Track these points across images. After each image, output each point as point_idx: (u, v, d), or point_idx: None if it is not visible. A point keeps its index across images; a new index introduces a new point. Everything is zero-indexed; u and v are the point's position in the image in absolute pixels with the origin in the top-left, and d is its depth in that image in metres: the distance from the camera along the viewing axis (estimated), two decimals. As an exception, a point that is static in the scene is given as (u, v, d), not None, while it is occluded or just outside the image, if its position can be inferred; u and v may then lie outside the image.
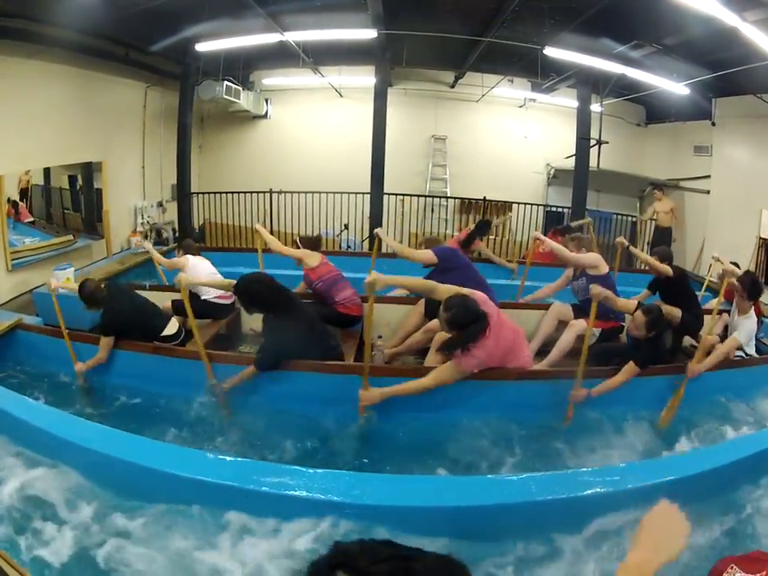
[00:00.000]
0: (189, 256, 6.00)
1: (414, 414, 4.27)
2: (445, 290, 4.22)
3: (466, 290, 4.20)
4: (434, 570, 1.07)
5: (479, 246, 8.14)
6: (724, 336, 5.48)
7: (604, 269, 5.54)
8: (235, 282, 4.58)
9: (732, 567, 1.72)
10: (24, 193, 7.49)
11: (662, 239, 10.34)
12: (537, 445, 4.17)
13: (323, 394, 4.36)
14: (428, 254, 5.40)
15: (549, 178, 12.87)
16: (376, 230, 6.35)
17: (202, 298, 5.70)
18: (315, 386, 4.40)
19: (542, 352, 5.39)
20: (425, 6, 7.98)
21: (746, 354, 5.25)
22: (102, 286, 5.00)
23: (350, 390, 4.19)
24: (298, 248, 5.77)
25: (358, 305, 5.55)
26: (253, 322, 5.61)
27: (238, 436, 4.18)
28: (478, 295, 4.20)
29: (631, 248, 6.46)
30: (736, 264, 7.11)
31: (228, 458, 3.19)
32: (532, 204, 11.09)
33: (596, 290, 4.39)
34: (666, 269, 5.74)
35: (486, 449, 4.08)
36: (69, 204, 8.75)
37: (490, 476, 3.64)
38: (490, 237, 9.96)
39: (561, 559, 2.83)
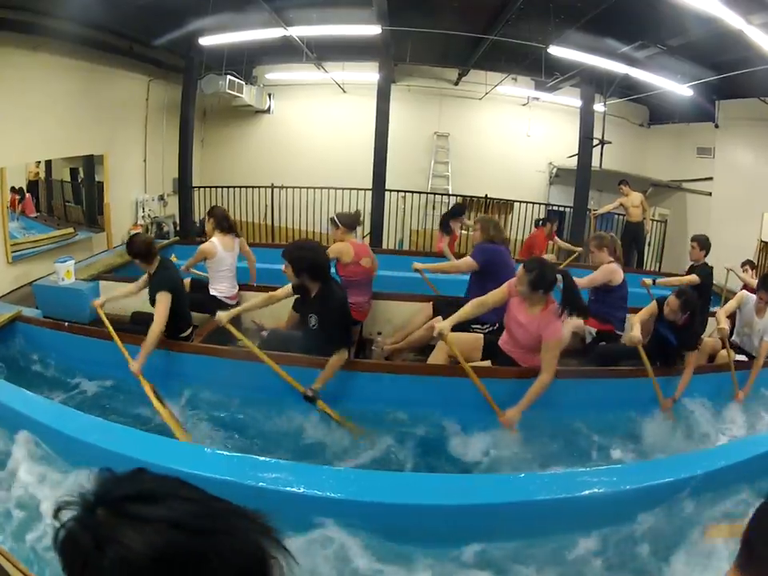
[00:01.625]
0: (216, 240, 5.65)
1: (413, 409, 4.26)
2: (492, 297, 4.39)
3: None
4: (227, 532, 0.81)
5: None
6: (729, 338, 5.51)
7: (618, 279, 5.47)
8: (273, 293, 4.56)
9: None
10: (33, 185, 7.47)
11: (635, 234, 10.27)
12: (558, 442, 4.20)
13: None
14: (468, 263, 5.34)
15: (551, 177, 12.87)
16: (414, 265, 5.86)
17: (212, 292, 5.59)
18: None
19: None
20: (429, 3, 7.97)
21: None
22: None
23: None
24: (336, 226, 5.47)
25: (365, 312, 5.53)
26: (254, 314, 5.58)
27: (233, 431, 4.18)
28: None
29: (658, 281, 6.41)
30: (751, 262, 7.17)
31: (225, 453, 3.19)
32: (534, 203, 11.05)
33: (632, 339, 4.59)
34: (693, 279, 5.86)
35: (495, 448, 4.08)
36: (70, 197, 8.73)
37: (490, 474, 3.64)
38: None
39: (560, 559, 2.83)
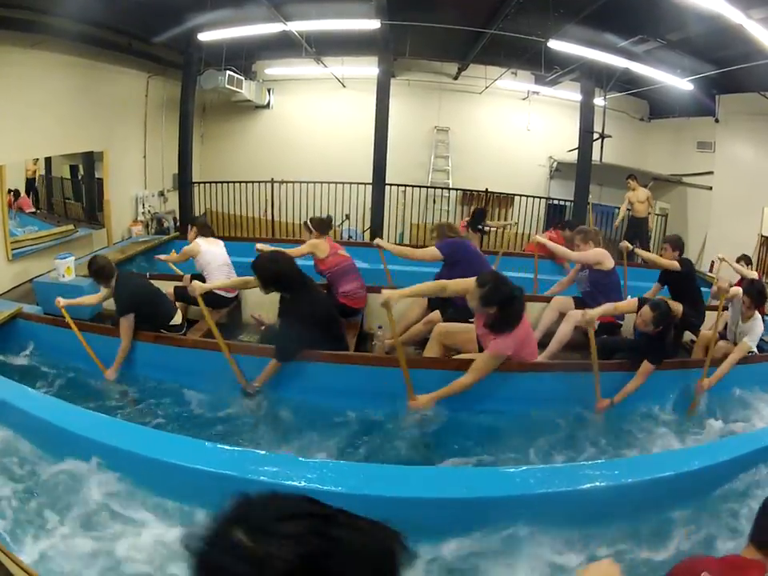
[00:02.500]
0: (200, 240, 5.84)
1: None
2: (454, 284, 4.27)
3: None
4: (359, 537, 0.90)
5: None
6: (724, 333, 5.48)
7: (609, 264, 5.52)
8: (250, 278, 4.57)
9: (705, 574, 1.61)
10: (31, 182, 7.47)
11: (639, 229, 10.31)
12: (549, 437, 4.18)
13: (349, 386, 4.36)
14: (433, 252, 5.38)
15: (551, 171, 12.87)
16: (376, 241, 6.17)
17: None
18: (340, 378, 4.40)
19: (542, 344, 5.36)
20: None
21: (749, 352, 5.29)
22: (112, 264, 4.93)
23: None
24: (309, 230, 5.70)
25: (362, 297, 5.56)
26: (254, 309, 5.58)
27: (244, 427, 4.19)
28: None
29: (636, 250, 6.43)
30: (747, 257, 7.14)
31: (226, 447, 3.19)
32: (534, 197, 11.04)
33: (585, 317, 4.44)
34: (674, 263, 5.77)
35: (495, 441, 4.10)
36: (70, 193, 8.75)
37: (492, 468, 3.63)
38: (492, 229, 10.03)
39: (559, 552, 2.84)
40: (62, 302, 4.86)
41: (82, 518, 2.92)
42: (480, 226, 8.49)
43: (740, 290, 5.40)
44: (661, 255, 6.18)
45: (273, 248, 5.59)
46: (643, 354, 4.49)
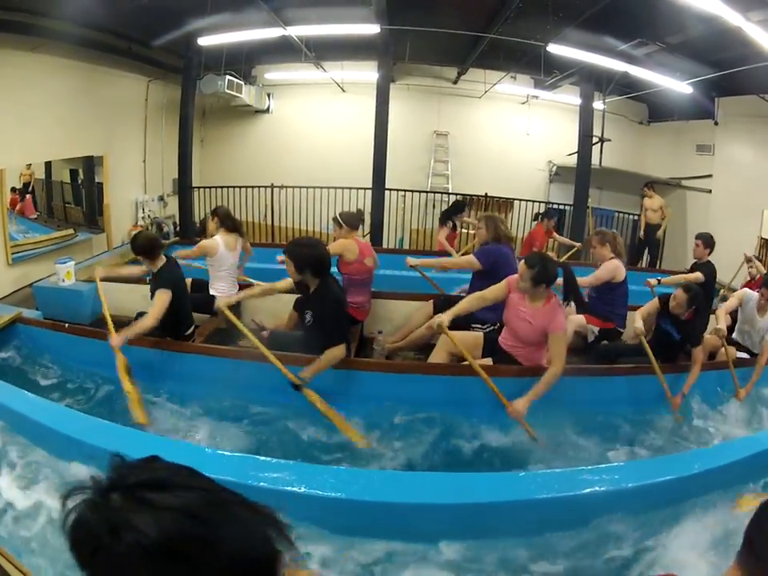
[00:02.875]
0: (219, 238, 5.61)
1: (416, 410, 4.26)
2: (490, 293, 4.45)
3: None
4: (236, 527, 0.85)
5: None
6: (728, 336, 5.51)
7: (621, 276, 5.46)
8: (274, 284, 4.63)
9: None
10: (26, 187, 7.48)
11: (650, 236, 10.39)
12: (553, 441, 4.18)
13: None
14: (469, 260, 5.30)
15: (551, 175, 12.85)
16: (408, 262, 5.73)
17: (211, 291, 5.54)
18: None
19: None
20: (428, 2, 7.96)
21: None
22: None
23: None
24: (339, 225, 5.44)
25: (366, 311, 5.51)
26: (254, 314, 5.57)
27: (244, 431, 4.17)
28: None
29: (663, 280, 6.39)
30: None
31: (227, 453, 3.18)
32: (534, 201, 11.08)
33: (636, 330, 4.73)
34: (699, 276, 5.91)
35: (501, 446, 4.11)
36: (70, 198, 8.74)
37: (491, 473, 3.62)
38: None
39: (560, 557, 2.84)
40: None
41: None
42: (452, 220, 8.26)
43: (746, 290, 5.45)
44: (693, 250, 6.36)
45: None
46: (685, 343, 4.78)
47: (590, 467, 3.32)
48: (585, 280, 5.57)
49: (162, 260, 4.70)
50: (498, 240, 5.33)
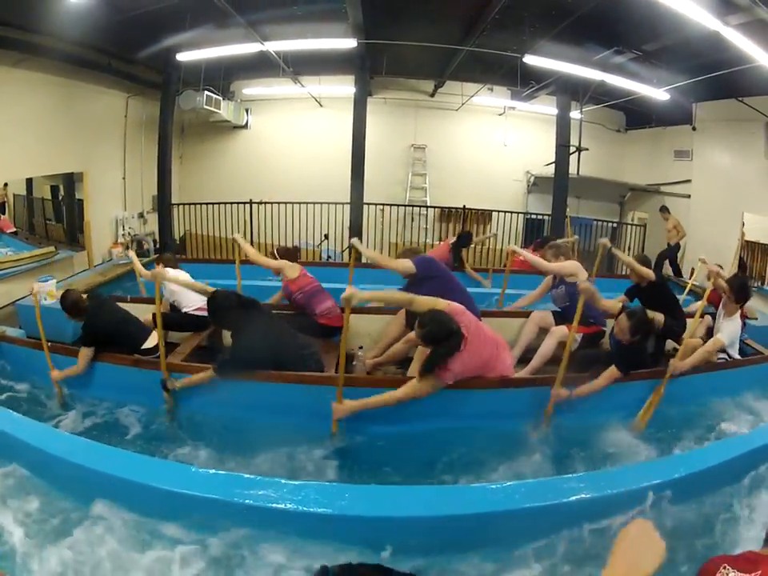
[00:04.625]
0: (168, 269, 5.81)
1: (394, 424, 4.24)
2: (422, 301, 4.20)
3: (443, 302, 4.18)
4: None
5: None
6: (707, 339, 5.52)
7: (583, 276, 5.51)
8: (209, 287, 4.71)
9: (725, 567, 1.70)
10: (1, 207, 7.42)
11: (674, 252, 10.40)
12: (518, 452, 4.13)
13: (301, 406, 4.30)
14: (406, 263, 5.28)
15: (529, 186, 12.94)
16: (352, 240, 6.17)
17: (183, 310, 5.64)
18: (291, 396, 4.35)
19: (524, 359, 5.39)
20: (405, 16, 8.00)
21: (730, 357, 5.28)
22: (85, 296, 4.97)
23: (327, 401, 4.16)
24: (276, 259, 5.74)
25: (338, 316, 5.46)
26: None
27: (208, 447, 4.12)
28: (455, 307, 4.17)
29: (614, 249, 6.43)
30: (720, 267, 7.21)
31: (211, 471, 3.16)
32: (512, 212, 11.10)
33: (584, 284, 4.42)
34: (649, 272, 5.77)
35: (467, 458, 4.06)
36: (51, 214, 8.70)
37: (472, 485, 3.62)
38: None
39: (547, 566, 2.83)
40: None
41: (60, 542, 2.88)
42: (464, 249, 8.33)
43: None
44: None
45: (246, 243, 6.02)
46: (613, 361, 4.50)
47: (571, 475, 3.32)
48: (548, 265, 5.63)
49: (85, 311, 4.87)
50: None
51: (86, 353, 4.70)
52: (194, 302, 5.61)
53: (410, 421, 4.25)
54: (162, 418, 4.49)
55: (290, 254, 5.96)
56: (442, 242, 8.75)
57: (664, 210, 10.47)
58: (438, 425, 4.26)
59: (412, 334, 5.00)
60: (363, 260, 6.98)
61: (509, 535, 2.93)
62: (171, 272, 5.75)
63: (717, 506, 3.31)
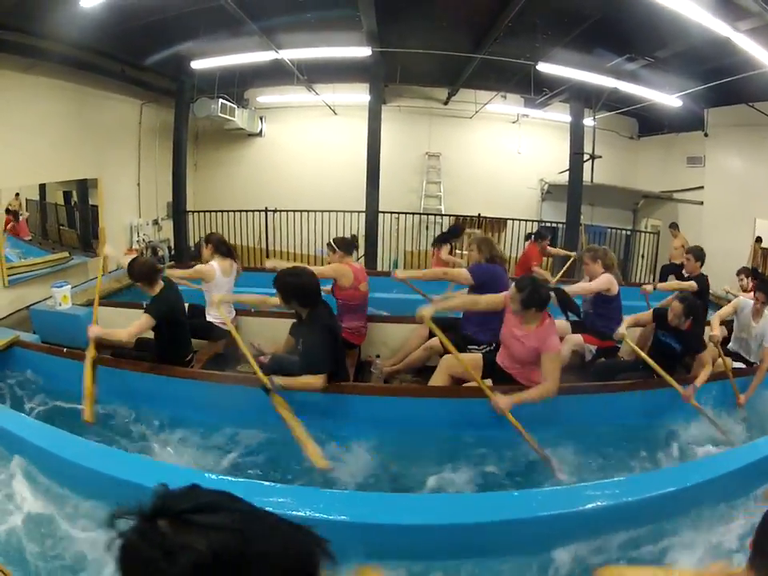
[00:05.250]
0: (215, 263, 5.60)
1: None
2: (487, 298, 4.39)
3: (503, 294, 4.35)
4: (278, 539, 0.91)
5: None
6: (725, 347, 5.57)
7: (615, 290, 5.49)
8: (269, 297, 4.54)
9: None
10: (15, 215, 7.45)
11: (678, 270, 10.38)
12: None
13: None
14: (463, 274, 5.22)
15: (543, 194, 12.91)
16: (394, 277, 5.49)
17: (208, 318, 5.53)
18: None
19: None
20: (418, 24, 8.02)
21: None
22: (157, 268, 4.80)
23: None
24: (333, 250, 5.50)
25: (362, 335, 5.50)
26: (253, 338, 5.55)
27: (237, 457, 4.13)
28: None
29: (658, 286, 6.44)
30: (746, 270, 7.30)
31: (222, 478, 3.17)
32: (526, 220, 11.12)
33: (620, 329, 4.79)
34: (692, 285, 5.97)
35: (500, 465, 4.06)
36: (64, 220, 8.72)
37: (490, 492, 3.60)
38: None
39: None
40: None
41: (78, 549, 2.89)
42: (450, 243, 8.11)
43: (741, 298, 5.51)
44: (684, 265, 6.56)
45: (285, 263, 5.55)
46: (687, 352, 4.83)
47: (594, 482, 3.32)
48: (577, 289, 5.61)
49: (159, 285, 4.68)
50: (491, 261, 5.33)
51: (147, 320, 4.47)
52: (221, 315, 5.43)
53: (431, 428, 4.23)
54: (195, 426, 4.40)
55: (347, 243, 5.61)
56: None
57: (674, 226, 10.45)
58: (456, 432, 4.25)
59: (431, 342, 5.02)
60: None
61: (529, 542, 2.93)
62: (218, 270, 5.56)
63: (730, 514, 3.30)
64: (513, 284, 4.18)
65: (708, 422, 4.57)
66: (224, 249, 5.74)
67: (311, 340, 4.21)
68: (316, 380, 4.11)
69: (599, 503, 3.01)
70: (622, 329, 4.83)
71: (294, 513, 2.79)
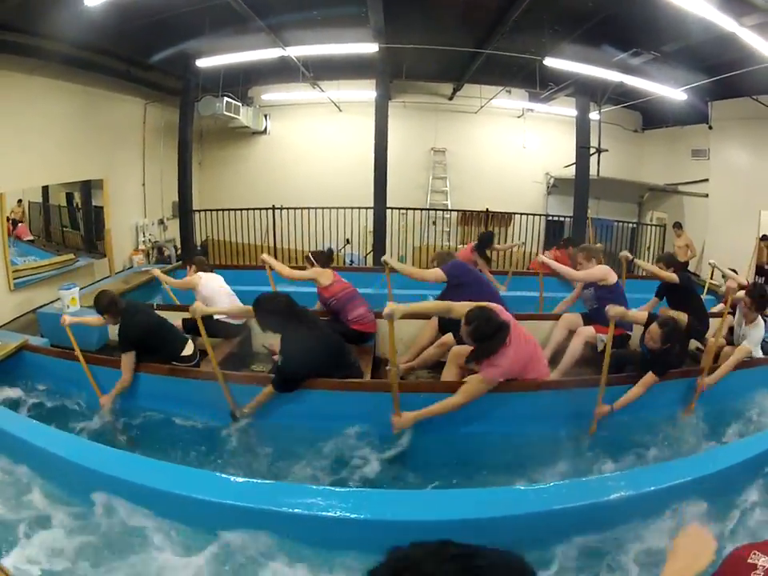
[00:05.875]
0: (201, 273, 5.92)
1: (441, 430, 4.22)
2: (460, 307, 4.20)
3: (481, 304, 4.17)
4: (500, 566, 1.01)
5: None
6: (730, 338, 5.60)
7: (612, 279, 5.53)
8: (251, 307, 4.49)
9: (755, 553, 1.77)
10: (15, 224, 7.43)
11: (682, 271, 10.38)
12: (560, 454, 4.12)
13: (346, 412, 4.27)
14: (437, 273, 5.34)
15: (548, 188, 12.90)
16: (383, 258, 6.00)
17: (214, 317, 5.50)
18: (338, 404, 4.32)
19: (553, 361, 5.36)
20: (425, 19, 8.00)
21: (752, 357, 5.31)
22: (119, 297, 4.90)
23: (372, 407, 4.17)
24: (312, 263, 5.75)
25: (372, 321, 5.55)
26: (265, 338, 5.55)
27: (255, 457, 4.13)
28: (493, 306, 4.17)
29: (636, 260, 6.49)
30: (734, 270, 7.23)
31: (258, 481, 3.14)
32: (533, 214, 11.09)
33: (612, 310, 4.40)
34: (672, 276, 5.85)
35: (510, 461, 4.08)
36: (67, 222, 8.71)
37: (511, 487, 3.59)
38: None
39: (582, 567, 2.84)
40: (67, 319, 4.89)
41: (92, 553, 2.89)
42: (488, 251, 8.30)
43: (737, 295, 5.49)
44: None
45: (275, 261, 5.97)
46: (649, 367, 4.51)
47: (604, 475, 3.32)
48: (578, 274, 5.63)
49: (117, 317, 4.77)
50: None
51: (128, 359, 4.59)
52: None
53: (452, 426, 4.24)
54: (202, 428, 4.43)
55: (325, 257, 5.92)
56: (465, 246, 8.73)
57: (678, 226, 10.46)
58: (477, 430, 4.27)
59: (444, 338, 5.04)
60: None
61: (549, 536, 2.93)
62: (204, 278, 5.82)
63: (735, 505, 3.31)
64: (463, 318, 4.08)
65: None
66: (207, 269, 6.18)
67: (282, 359, 4.37)
68: (268, 390, 4.30)
69: (622, 493, 3.01)
70: (619, 309, 4.52)
71: (323, 514, 2.80)
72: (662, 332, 4.40)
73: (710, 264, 7.26)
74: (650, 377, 4.45)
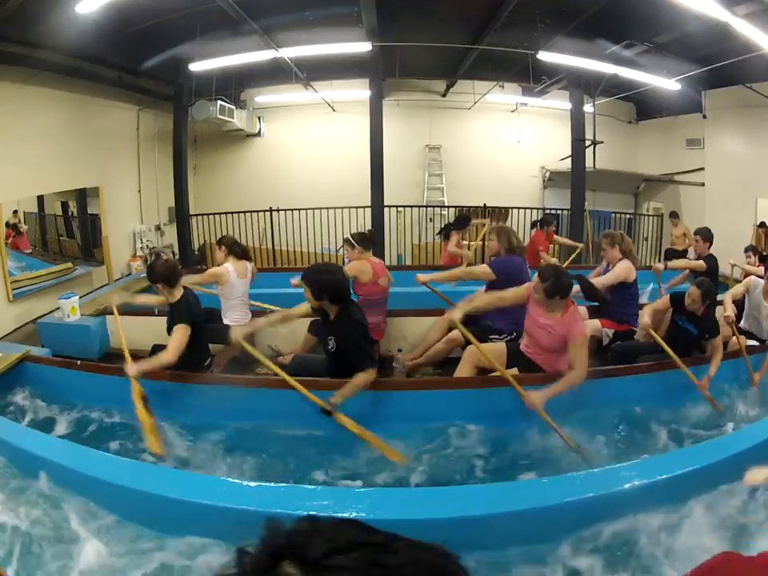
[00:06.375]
0: (229, 265, 5.45)
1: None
2: (511, 294, 4.45)
3: (525, 286, 4.45)
4: (415, 563, 0.77)
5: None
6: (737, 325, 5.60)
7: (632, 277, 5.51)
8: (289, 312, 4.45)
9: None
10: (15, 228, 7.39)
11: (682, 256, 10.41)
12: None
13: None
14: (484, 270, 5.23)
15: (544, 181, 12.89)
16: (418, 279, 5.37)
17: (225, 322, 5.39)
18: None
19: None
20: (417, 17, 8.01)
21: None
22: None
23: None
24: (352, 246, 5.45)
25: (382, 331, 5.51)
26: (271, 340, 5.52)
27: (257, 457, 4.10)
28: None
29: (669, 264, 6.49)
30: (753, 248, 7.37)
31: (270, 484, 3.12)
32: (529, 208, 11.12)
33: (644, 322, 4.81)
34: (701, 264, 6.09)
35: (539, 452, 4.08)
36: (63, 231, 8.68)
37: (507, 482, 3.56)
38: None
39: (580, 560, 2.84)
40: (116, 299, 4.82)
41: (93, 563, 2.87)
42: (458, 234, 8.12)
43: (753, 278, 5.54)
44: (693, 247, 6.70)
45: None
46: (703, 336, 4.83)
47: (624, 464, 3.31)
48: (601, 280, 5.60)
49: (180, 290, 4.52)
50: (511, 251, 5.31)
51: (184, 331, 4.29)
52: (240, 319, 5.41)
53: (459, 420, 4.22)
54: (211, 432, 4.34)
55: (366, 238, 5.56)
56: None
57: (674, 215, 10.48)
58: (484, 423, 4.23)
59: (452, 334, 5.01)
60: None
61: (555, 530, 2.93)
62: (232, 272, 5.42)
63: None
64: (535, 274, 4.16)
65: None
66: (238, 250, 5.61)
67: (349, 337, 4.13)
68: (369, 376, 4.06)
69: (635, 483, 3.02)
70: (646, 319, 4.84)
71: (337, 515, 2.77)
72: (701, 291, 4.66)
73: (730, 264, 7.31)
74: (717, 340, 4.74)
